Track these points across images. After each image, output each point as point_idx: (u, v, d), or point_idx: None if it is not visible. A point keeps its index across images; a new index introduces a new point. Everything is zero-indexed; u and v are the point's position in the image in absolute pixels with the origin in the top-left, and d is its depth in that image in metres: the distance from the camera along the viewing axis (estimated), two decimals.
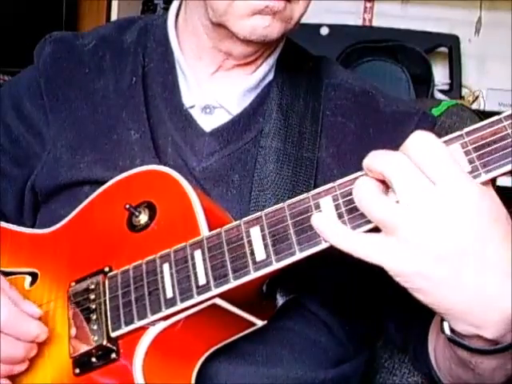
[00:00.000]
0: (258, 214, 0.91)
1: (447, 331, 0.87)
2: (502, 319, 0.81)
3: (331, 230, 0.83)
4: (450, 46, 2.80)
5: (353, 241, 0.82)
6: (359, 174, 0.86)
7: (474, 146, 0.82)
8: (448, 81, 2.81)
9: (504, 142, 0.81)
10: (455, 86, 2.77)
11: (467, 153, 0.82)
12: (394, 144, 1.15)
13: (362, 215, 0.84)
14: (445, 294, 0.80)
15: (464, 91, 2.81)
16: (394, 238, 0.79)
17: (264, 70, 1.19)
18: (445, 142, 0.82)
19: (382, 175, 0.81)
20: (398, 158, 0.80)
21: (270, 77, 1.20)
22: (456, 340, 0.87)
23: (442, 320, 0.87)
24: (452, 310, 0.82)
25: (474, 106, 2.69)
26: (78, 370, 0.97)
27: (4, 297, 0.96)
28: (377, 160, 0.81)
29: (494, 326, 0.81)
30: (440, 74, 2.85)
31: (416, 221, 0.78)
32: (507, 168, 0.81)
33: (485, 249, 0.79)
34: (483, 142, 0.81)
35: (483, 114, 2.35)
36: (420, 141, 0.80)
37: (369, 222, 0.83)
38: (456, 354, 0.93)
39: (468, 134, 0.82)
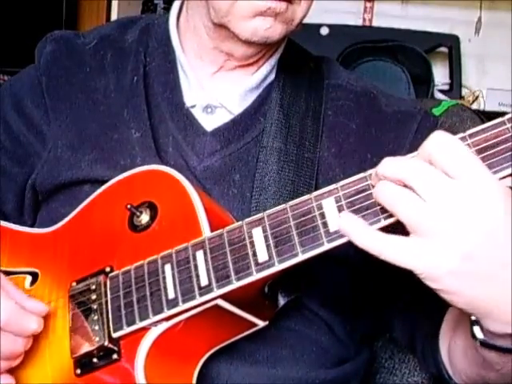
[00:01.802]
0: (260, 214, 0.91)
1: (479, 335, 0.85)
2: None
3: (358, 231, 0.82)
4: (450, 45, 2.80)
5: (381, 243, 0.80)
6: (362, 175, 0.86)
7: (477, 148, 0.82)
8: (448, 81, 2.81)
9: (507, 145, 0.80)
10: (455, 86, 2.77)
11: None
12: (396, 144, 1.16)
13: (365, 217, 0.84)
14: (479, 291, 0.79)
15: (464, 91, 2.82)
16: (422, 239, 0.78)
17: (265, 70, 1.19)
18: None
19: (400, 182, 0.80)
20: (413, 161, 0.80)
21: (272, 77, 1.20)
22: (489, 343, 0.86)
23: (472, 325, 0.85)
24: (487, 308, 0.81)
25: (474, 106, 2.70)
26: (79, 371, 0.97)
27: (5, 295, 0.96)
28: (392, 167, 0.81)
29: None
30: (440, 74, 2.85)
31: (442, 218, 0.77)
32: (509, 171, 0.81)
33: None
34: (486, 144, 0.81)
35: (483, 114, 2.35)
36: (439, 140, 0.80)
37: (371, 223, 0.83)
38: (482, 356, 0.92)
39: (471, 135, 0.82)
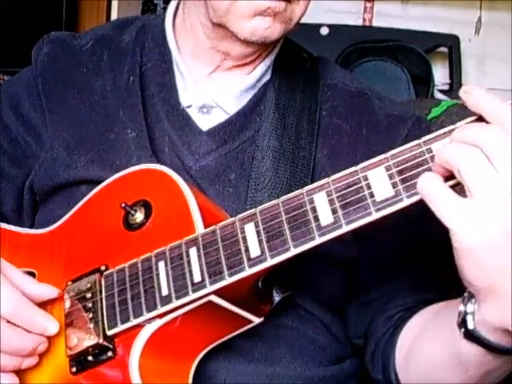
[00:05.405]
0: (253, 210, 0.91)
1: (470, 325, 0.86)
2: None
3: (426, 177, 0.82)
4: (450, 45, 2.81)
5: (442, 197, 0.79)
6: (353, 169, 0.86)
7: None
8: (448, 81, 2.82)
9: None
10: (455, 86, 2.78)
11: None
12: (385, 148, 1.14)
13: (356, 210, 0.84)
14: (505, 271, 0.78)
15: None
16: (476, 204, 0.77)
17: (261, 70, 1.19)
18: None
19: (476, 144, 0.79)
20: (497, 132, 0.78)
21: (267, 77, 1.20)
22: (477, 336, 0.86)
23: (466, 314, 0.86)
24: (502, 292, 0.80)
25: None
26: (74, 369, 0.97)
27: (12, 287, 0.96)
28: (475, 132, 0.79)
29: None
30: (440, 74, 2.85)
31: (505, 191, 0.76)
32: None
33: None
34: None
35: None
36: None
37: (362, 217, 0.84)
38: (459, 353, 0.91)
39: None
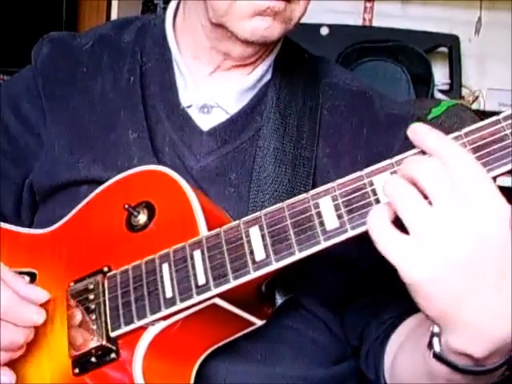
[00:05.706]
0: (258, 213, 0.91)
1: (437, 348, 0.84)
2: (503, 338, 0.79)
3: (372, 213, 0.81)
4: (450, 45, 2.80)
5: (382, 234, 0.79)
6: (358, 173, 0.86)
7: (473, 146, 0.81)
8: (448, 81, 2.81)
9: (503, 143, 0.80)
10: (455, 85, 2.77)
11: None
12: (385, 147, 1.16)
13: (361, 216, 0.84)
14: (453, 305, 0.78)
15: (464, 91, 2.82)
16: (415, 239, 0.77)
17: (262, 69, 1.19)
18: None
19: (413, 179, 0.79)
20: (433, 166, 0.78)
21: (268, 77, 1.20)
22: (443, 358, 0.85)
23: (432, 336, 0.85)
24: (457, 321, 0.79)
25: (474, 106, 2.70)
26: (77, 370, 0.97)
27: (3, 285, 0.96)
28: (411, 166, 0.80)
29: (493, 344, 0.80)
30: (440, 74, 2.85)
31: (442, 225, 0.76)
32: (506, 168, 0.81)
33: (506, 267, 0.77)
34: (482, 142, 0.81)
35: (483, 114, 2.35)
36: (459, 153, 0.78)
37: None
38: (430, 368, 0.91)
39: (467, 134, 0.82)
